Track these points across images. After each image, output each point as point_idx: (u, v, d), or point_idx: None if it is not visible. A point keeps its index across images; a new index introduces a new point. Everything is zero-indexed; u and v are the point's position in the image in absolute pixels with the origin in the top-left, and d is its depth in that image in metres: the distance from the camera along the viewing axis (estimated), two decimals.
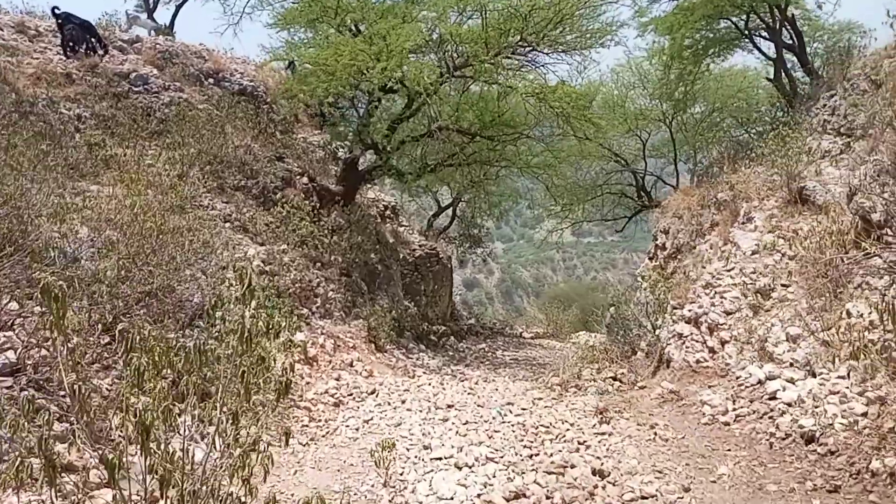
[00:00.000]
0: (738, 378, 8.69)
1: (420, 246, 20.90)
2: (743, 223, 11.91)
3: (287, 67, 19.63)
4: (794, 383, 7.38)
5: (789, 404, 7.02)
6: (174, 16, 24.19)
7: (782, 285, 10.07)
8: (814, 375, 7.27)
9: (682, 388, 9.92)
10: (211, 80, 18.69)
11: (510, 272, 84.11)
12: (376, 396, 9.96)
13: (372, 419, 8.75)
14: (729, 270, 10.67)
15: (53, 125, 12.85)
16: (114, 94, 15.07)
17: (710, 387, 9.46)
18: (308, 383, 9.76)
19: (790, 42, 17.61)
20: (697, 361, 10.14)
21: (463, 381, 12.37)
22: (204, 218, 12.85)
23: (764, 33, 18.29)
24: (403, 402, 9.68)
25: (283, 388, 4.66)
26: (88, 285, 7.31)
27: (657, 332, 11.78)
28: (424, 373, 12.74)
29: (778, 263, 10.44)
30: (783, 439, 6.58)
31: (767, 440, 6.76)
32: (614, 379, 10.82)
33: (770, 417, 7.06)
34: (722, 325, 10.06)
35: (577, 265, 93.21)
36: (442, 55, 14.63)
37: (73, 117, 14.09)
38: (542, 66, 15.27)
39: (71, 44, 15.33)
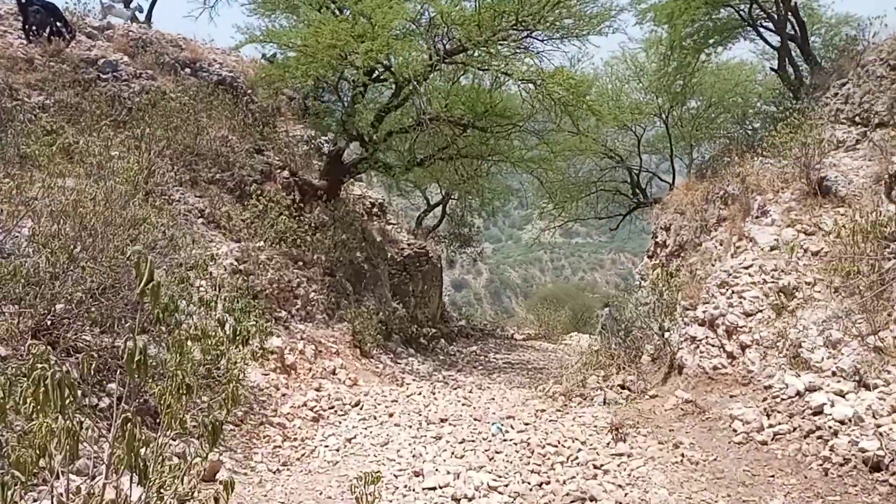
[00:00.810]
0: (767, 388, 7.62)
1: (409, 245, 19.75)
2: (757, 217, 10.87)
3: (267, 58, 18.45)
4: (843, 396, 6.30)
5: (842, 422, 5.95)
6: (151, 7, 22.90)
7: (807, 283, 9.03)
8: (868, 388, 6.20)
9: (698, 397, 8.85)
10: (188, 70, 17.45)
11: (498, 273, 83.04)
12: (361, 409, 8.82)
13: (355, 437, 7.60)
14: (747, 268, 9.61)
15: (9, 112, 11.62)
16: (79, 81, 13.80)
17: (731, 397, 8.39)
18: (284, 395, 8.60)
19: (792, 33, 16.67)
20: (715, 368, 9.08)
21: (456, 388, 11.25)
22: (172, 212, 11.72)
23: (766, 23, 17.37)
24: (391, 415, 8.55)
25: (230, 399, 3.64)
26: (24, 285, 6.14)
27: (666, 334, 10.71)
28: (414, 380, 11.61)
29: (801, 260, 9.40)
30: (841, 465, 5.50)
31: (820, 465, 5.68)
32: (622, 387, 9.74)
33: (820, 437, 5.98)
34: (742, 327, 9.00)
35: (564, 266, 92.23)
36: (432, 41, 13.50)
37: (35, 105, 12.86)
38: (538, 53, 14.18)
39: (34, 27, 14.05)
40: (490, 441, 7.35)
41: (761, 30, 17.41)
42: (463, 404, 9.48)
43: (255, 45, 15.11)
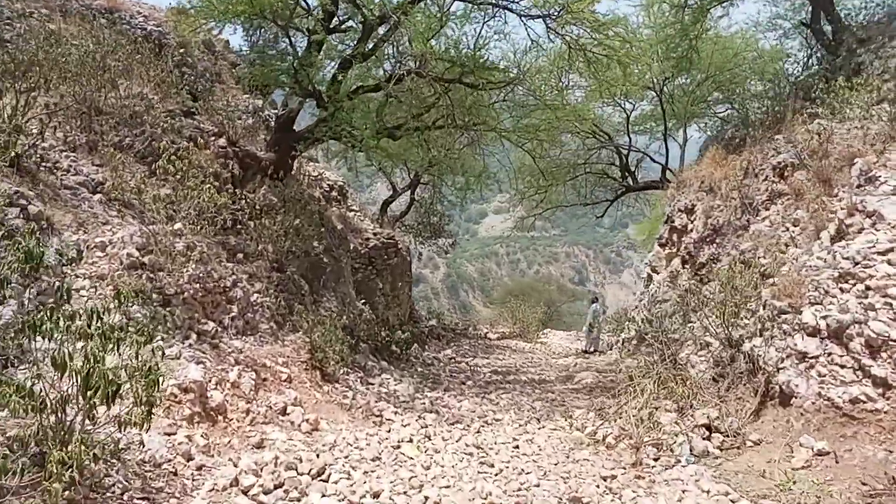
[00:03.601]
0: None
1: (374, 234, 16.26)
2: (861, 186, 7.76)
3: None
4: None
5: None
6: None
7: None
8: None
9: (837, 446, 5.68)
10: (103, 21, 13.61)
11: (455, 267, 79.59)
12: (327, 482, 5.35)
13: None
14: (883, 253, 6.47)
15: None
16: None
17: None
18: (201, 468, 5.07)
19: None
20: (854, 401, 5.91)
21: (454, 424, 7.87)
22: (55, 184, 8.08)
23: None
24: (377, 496, 5.10)
25: None
26: None
27: (748, 348, 7.51)
28: (395, 412, 8.17)
29: None
30: None
31: None
32: (706, 428, 6.47)
33: None
34: None
35: (520, 259, 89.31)
36: None
37: None
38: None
39: None
40: None
41: None
42: (480, 462, 6.11)
43: None
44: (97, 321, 3.92)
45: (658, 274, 14.11)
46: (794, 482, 5.19)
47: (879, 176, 7.60)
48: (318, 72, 10.77)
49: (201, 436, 5.48)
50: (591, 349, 18.29)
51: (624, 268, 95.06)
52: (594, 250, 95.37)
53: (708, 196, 12.27)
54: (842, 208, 7.53)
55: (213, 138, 11.58)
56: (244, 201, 9.80)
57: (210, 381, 6.39)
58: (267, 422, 6.55)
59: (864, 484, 4.96)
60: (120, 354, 4.01)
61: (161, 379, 4.01)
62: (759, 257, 9.19)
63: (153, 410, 4.09)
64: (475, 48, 11.57)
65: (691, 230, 12.65)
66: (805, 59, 14.88)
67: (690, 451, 5.99)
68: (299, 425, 6.76)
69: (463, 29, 11.13)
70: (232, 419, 6.24)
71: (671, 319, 12.18)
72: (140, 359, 4.06)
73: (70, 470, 3.48)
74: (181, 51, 14.42)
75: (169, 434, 5.22)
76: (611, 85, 12.10)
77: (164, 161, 7.94)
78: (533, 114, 13.27)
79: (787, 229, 9.10)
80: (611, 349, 17.86)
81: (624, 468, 5.78)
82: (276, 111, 14.43)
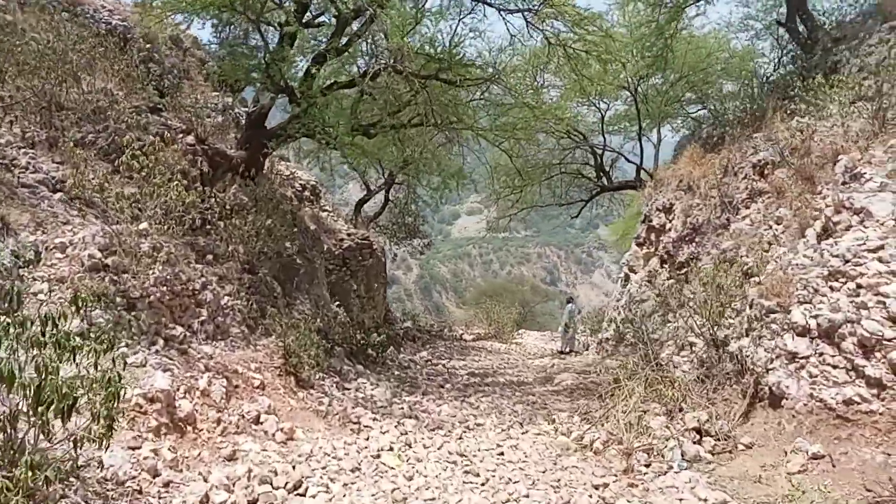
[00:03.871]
0: None
1: (349, 235, 15.87)
2: (846, 184, 7.63)
3: None
4: None
5: None
6: None
7: None
8: None
9: (832, 448, 5.49)
10: (65, 14, 13.05)
11: (428, 268, 79.21)
12: (304, 499, 5.01)
13: None
14: (874, 251, 6.32)
15: None
16: None
17: None
18: (168, 485, 4.69)
19: None
20: (847, 402, 5.74)
21: (435, 430, 7.57)
22: (11, 182, 7.62)
23: None
24: None
25: None
26: None
27: (735, 348, 7.32)
28: (374, 418, 7.83)
29: None
30: None
31: None
32: (697, 432, 6.25)
33: None
34: (891, 340, 5.69)
35: (493, 260, 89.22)
36: None
37: None
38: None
39: None
40: None
41: None
42: (465, 471, 5.82)
43: None
44: (52, 328, 3.53)
45: (636, 273, 13.95)
46: (803, 491, 4.96)
47: (865, 173, 7.47)
48: (290, 67, 10.37)
49: (169, 449, 5.10)
50: (567, 350, 18.12)
51: (595, 268, 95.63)
52: (565, 251, 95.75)
53: (686, 195, 12.13)
54: (828, 205, 7.39)
55: (180, 135, 11.12)
56: (214, 200, 9.37)
57: (178, 389, 6.00)
58: (239, 431, 6.18)
59: (868, 490, 4.76)
60: (77, 364, 3.63)
61: (122, 391, 3.63)
62: (741, 256, 9.04)
63: (114, 425, 3.72)
64: (451, 45, 11.29)
65: (669, 229, 12.50)
66: (777, 59, 14.86)
67: (682, 456, 5.76)
68: (273, 434, 6.40)
69: (438, 26, 10.83)
70: (202, 430, 5.86)
71: (650, 319, 12.04)
72: (99, 369, 3.68)
73: (18, 494, 3.10)
74: (147, 46, 13.93)
75: (133, 448, 4.83)
76: (591, 81, 11.83)
77: (128, 157, 7.49)
78: (510, 112, 13.01)
79: (770, 227, 8.95)
80: (587, 349, 17.70)
81: (615, 475, 5.53)
82: (246, 109, 13.98)
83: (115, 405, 3.53)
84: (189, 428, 5.74)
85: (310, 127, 10.73)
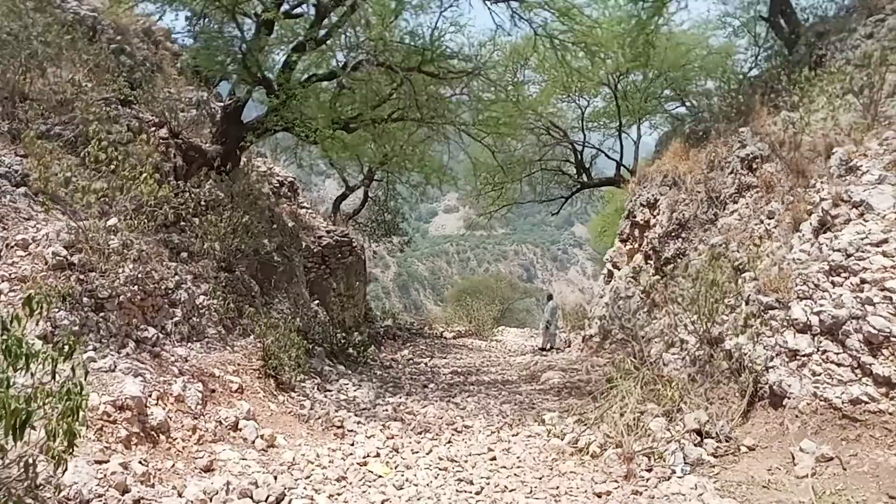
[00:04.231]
0: None
1: (328, 232, 15.44)
2: (842, 177, 7.41)
3: None
4: None
5: None
6: None
7: None
8: None
9: (841, 450, 5.25)
10: (30, 3, 12.44)
11: (406, 266, 78.75)
12: None
13: None
14: (877, 244, 6.09)
15: None
16: None
17: None
18: (139, 503, 4.28)
19: None
20: (854, 401, 5.49)
21: (422, 433, 7.22)
22: None
23: None
24: None
25: None
26: None
27: (731, 345, 7.06)
28: (358, 422, 7.45)
29: None
30: None
31: None
32: (698, 434, 5.97)
33: None
34: None
35: (470, 258, 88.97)
36: None
37: None
38: None
39: None
40: None
41: None
42: (458, 479, 5.48)
43: None
44: (1, 332, 3.12)
45: (619, 270, 13.72)
46: (797, 490, 4.69)
47: (861, 165, 7.25)
48: (268, 57, 9.95)
49: (140, 462, 4.69)
50: (549, 347, 17.87)
51: (570, 265, 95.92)
52: (541, 248, 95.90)
53: (672, 190, 11.91)
54: (824, 199, 7.16)
55: (153, 129, 10.62)
56: (188, 194, 8.91)
57: (150, 395, 5.58)
58: (217, 439, 5.77)
59: (892, 497, 4.50)
60: (33, 374, 3.22)
61: (84, 402, 3.22)
62: (731, 251, 8.81)
63: (76, 441, 3.31)
64: (432, 38, 10.93)
65: (654, 225, 12.27)
66: (756, 55, 14.75)
67: (684, 459, 5.48)
68: (253, 442, 6.00)
69: (418, 20, 10.47)
70: (176, 439, 5.44)
71: (636, 316, 11.81)
72: (59, 378, 3.27)
73: None
74: (118, 38, 13.36)
75: (100, 462, 4.41)
76: (578, 72, 11.55)
77: (94, 147, 7.01)
78: (492, 107, 12.67)
79: (762, 222, 8.73)
80: (569, 346, 17.47)
81: (616, 481, 5.23)
82: (221, 104, 13.49)
83: (75, 420, 3.12)
84: (162, 437, 5.33)
85: (289, 120, 10.31)
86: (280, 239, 12.04)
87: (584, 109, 19.59)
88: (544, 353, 17.30)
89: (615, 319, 12.36)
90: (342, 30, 10.18)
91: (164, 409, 5.57)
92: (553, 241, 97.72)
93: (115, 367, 5.63)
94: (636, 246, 13.23)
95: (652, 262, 12.13)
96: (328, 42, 10.55)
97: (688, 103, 19.57)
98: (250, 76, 10.01)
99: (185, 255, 8.84)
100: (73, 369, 3.26)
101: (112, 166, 7.20)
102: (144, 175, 7.07)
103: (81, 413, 3.35)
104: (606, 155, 19.75)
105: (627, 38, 15.81)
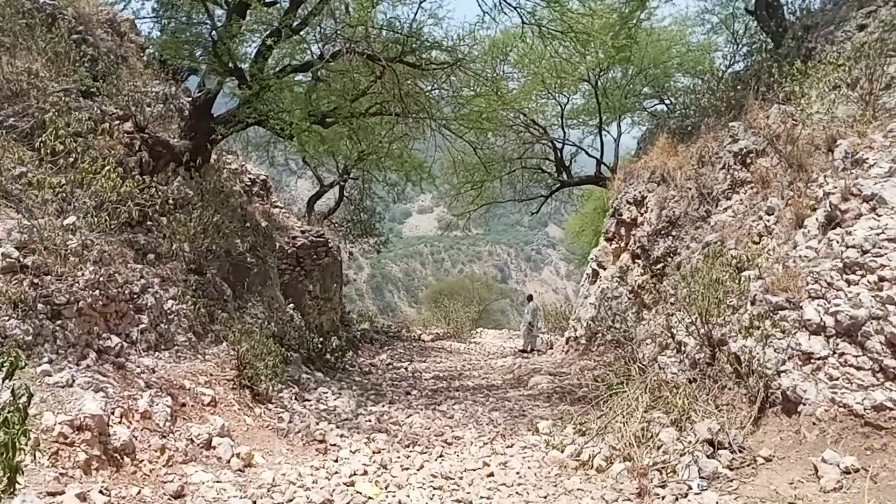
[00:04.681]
0: None
1: (302, 232, 14.85)
2: (847, 169, 7.10)
3: None
4: None
5: None
6: None
7: None
8: None
9: (867, 460, 4.88)
10: None
11: (379, 267, 77.99)
12: None
13: None
14: (895, 240, 5.76)
15: None
16: None
17: None
18: None
19: None
20: (878, 408, 5.15)
21: (409, 446, 6.73)
22: None
23: None
24: None
25: None
26: None
27: (737, 348, 6.69)
28: (340, 435, 6.94)
29: None
30: None
31: None
32: (710, 444, 5.57)
33: None
34: None
35: (444, 258, 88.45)
36: None
37: None
38: None
39: None
40: None
41: None
42: (455, 500, 5.01)
43: None
44: None
45: (605, 270, 13.36)
46: None
47: (867, 158, 6.94)
48: (240, 44, 9.37)
49: (101, 490, 4.14)
50: (530, 348, 17.49)
51: (544, 265, 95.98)
52: (515, 249, 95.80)
53: (660, 187, 11.57)
54: (829, 193, 6.83)
55: (117, 122, 9.97)
56: (153, 190, 8.31)
57: (113, 412, 5.02)
58: (188, 460, 5.23)
59: None
60: None
61: (25, 431, 2.69)
62: (728, 249, 8.47)
63: (18, 475, 2.77)
64: (412, 28, 10.46)
65: (642, 223, 11.93)
66: (734, 52, 14.59)
67: (699, 473, 5.07)
68: (228, 461, 5.46)
69: (395, 11, 9.99)
70: (142, 461, 4.89)
71: (624, 316, 11.47)
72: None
73: None
74: (80, 27, 12.64)
75: (53, 494, 3.85)
76: (568, 62, 11.13)
77: (49, 137, 6.40)
78: (474, 101, 12.21)
79: (760, 219, 8.41)
80: (551, 348, 17.10)
81: (630, 500, 4.80)
82: (190, 98, 12.85)
83: (13, 455, 2.59)
84: (126, 459, 4.77)
85: (262, 112, 9.74)
86: (253, 239, 11.45)
87: (563, 106, 19.24)
88: (525, 354, 16.92)
89: (603, 321, 11.99)
90: (318, 18, 9.65)
91: (128, 427, 5.01)
92: (527, 242, 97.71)
93: (74, 381, 5.05)
94: (622, 245, 12.89)
95: (640, 262, 11.79)
96: (303, 32, 10.02)
97: (667, 101, 19.40)
98: (221, 66, 9.43)
99: (151, 256, 8.24)
100: (12, 392, 2.72)
101: (71, 159, 6.59)
102: (106, 168, 6.47)
103: (26, 441, 2.81)
104: (587, 153, 19.43)
105: (609, 31, 15.56)
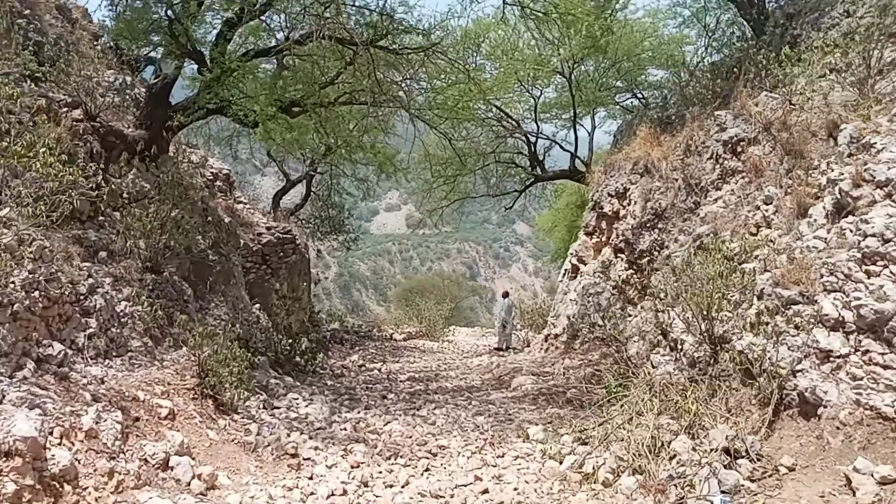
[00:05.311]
0: None
1: (268, 229, 14.11)
2: (853, 154, 6.69)
3: None
4: None
5: None
6: None
7: None
8: None
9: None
10: None
11: (347, 266, 76.87)
12: None
13: None
14: None
15: None
16: None
17: None
18: None
19: None
20: None
21: (390, 458, 6.13)
22: None
23: None
24: None
25: None
26: None
27: (744, 345, 6.21)
28: (315, 448, 6.31)
29: None
30: None
31: None
32: (727, 453, 5.07)
33: None
34: None
35: (413, 256, 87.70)
36: None
37: None
38: None
39: None
40: None
41: None
42: None
43: None
44: None
45: (585, 265, 12.90)
46: None
47: (875, 142, 6.53)
48: (200, 25, 8.64)
49: None
50: (505, 346, 17.00)
51: (512, 262, 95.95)
52: (483, 246, 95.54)
53: (644, 178, 11.13)
54: (840, 179, 6.40)
55: (65, 109, 9.17)
56: (104, 181, 7.54)
57: (51, 432, 4.32)
58: (141, 484, 4.55)
59: None
60: None
61: None
62: (722, 241, 8.02)
63: None
64: (383, 11, 9.82)
65: (625, 216, 11.48)
66: (707, 44, 14.29)
67: (719, 486, 4.57)
68: (188, 484, 4.79)
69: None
70: (86, 488, 4.20)
71: (611, 313, 11.00)
72: None
73: None
74: (26, 11, 11.72)
75: None
76: (544, 48, 10.60)
77: None
78: (448, 90, 11.61)
79: (757, 209, 7.99)
80: (528, 346, 16.62)
81: None
82: (142, 89, 12.02)
83: None
84: (67, 487, 4.08)
85: (224, 98, 9.02)
86: (215, 236, 10.69)
87: (536, 100, 18.75)
88: (501, 353, 16.42)
89: (586, 317, 11.51)
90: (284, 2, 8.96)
91: (69, 449, 4.32)
92: (495, 239, 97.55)
93: (4, 397, 4.34)
94: (604, 239, 12.44)
95: (624, 256, 11.34)
96: (268, 14, 9.32)
97: (639, 95, 19.06)
98: (178, 47, 8.68)
99: (103, 254, 7.49)
100: None
101: (5, 143, 5.82)
102: (42, 151, 5.71)
103: None
104: (561, 146, 18.97)
105: (590, 16, 15.10)
